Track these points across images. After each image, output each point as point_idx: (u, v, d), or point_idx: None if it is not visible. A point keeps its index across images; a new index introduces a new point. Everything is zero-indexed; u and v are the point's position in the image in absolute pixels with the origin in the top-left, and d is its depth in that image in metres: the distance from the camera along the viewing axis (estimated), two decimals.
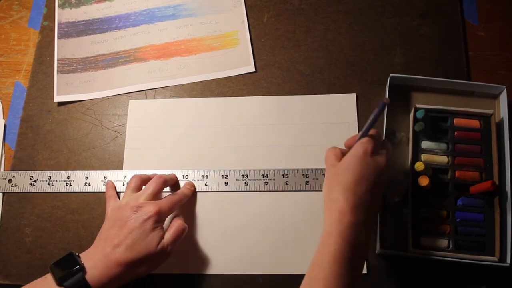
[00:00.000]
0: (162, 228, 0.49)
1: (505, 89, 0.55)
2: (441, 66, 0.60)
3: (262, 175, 0.57)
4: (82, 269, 0.45)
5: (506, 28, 0.63)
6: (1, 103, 0.63)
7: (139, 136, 0.60)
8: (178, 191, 0.54)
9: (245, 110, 0.60)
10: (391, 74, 0.56)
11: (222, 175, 0.57)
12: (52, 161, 0.60)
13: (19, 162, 0.60)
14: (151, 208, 0.49)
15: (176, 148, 0.59)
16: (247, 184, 0.57)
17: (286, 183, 0.56)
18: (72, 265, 0.45)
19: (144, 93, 0.62)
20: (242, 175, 0.57)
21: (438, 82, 0.57)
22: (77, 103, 0.62)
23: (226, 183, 0.57)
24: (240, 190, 0.57)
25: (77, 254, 0.47)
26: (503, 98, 0.55)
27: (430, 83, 0.57)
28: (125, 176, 0.58)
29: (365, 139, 0.46)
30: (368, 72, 0.61)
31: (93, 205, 0.57)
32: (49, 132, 0.61)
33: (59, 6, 0.68)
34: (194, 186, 0.56)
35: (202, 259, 0.54)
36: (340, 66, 0.62)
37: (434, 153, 0.55)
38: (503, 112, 0.54)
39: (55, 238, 0.57)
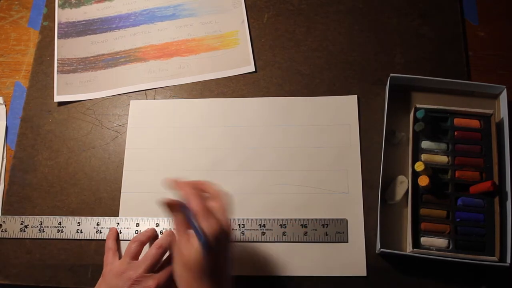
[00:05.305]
0: None
1: (505, 89, 0.55)
2: (441, 66, 0.60)
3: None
4: None
5: (506, 28, 0.63)
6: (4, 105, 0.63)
7: (139, 137, 0.60)
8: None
9: (245, 111, 0.60)
10: (391, 74, 0.56)
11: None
12: (52, 161, 0.60)
13: (19, 162, 0.60)
14: (150, 283, 0.47)
15: (176, 149, 0.59)
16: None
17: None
18: None
19: (144, 93, 0.62)
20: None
21: (438, 82, 0.57)
22: (77, 103, 0.62)
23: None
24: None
25: None
26: (503, 98, 0.55)
27: (430, 83, 0.57)
28: (118, 223, 0.56)
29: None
30: (368, 72, 0.61)
31: (93, 205, 0.57)
32: (49, 132, 0.61)
33: (59, 6, 0.68)
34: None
35: None
36: (340, 66, 0.62)
37: (434, 153, 0.55)
38: (503, 112, 0.54)
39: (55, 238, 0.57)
